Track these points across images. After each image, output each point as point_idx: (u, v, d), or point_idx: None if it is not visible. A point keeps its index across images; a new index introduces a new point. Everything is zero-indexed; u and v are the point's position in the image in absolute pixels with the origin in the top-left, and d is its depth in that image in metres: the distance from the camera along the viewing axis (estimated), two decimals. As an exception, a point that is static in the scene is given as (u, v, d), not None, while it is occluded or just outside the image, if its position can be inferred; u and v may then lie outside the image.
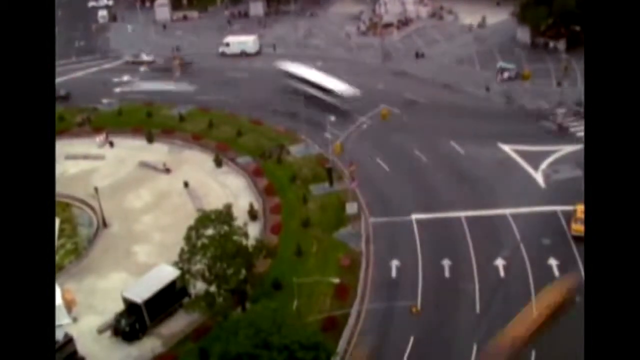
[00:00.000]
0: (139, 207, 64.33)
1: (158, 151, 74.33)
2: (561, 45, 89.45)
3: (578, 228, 51.67)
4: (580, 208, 52.29)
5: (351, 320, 47.01)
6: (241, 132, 75.00)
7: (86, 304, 51.30)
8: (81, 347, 46.24)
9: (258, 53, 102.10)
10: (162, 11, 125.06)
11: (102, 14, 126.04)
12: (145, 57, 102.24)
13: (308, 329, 41.47)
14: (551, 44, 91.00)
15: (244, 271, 46.41)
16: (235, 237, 46.02)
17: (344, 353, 44.56)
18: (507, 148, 67.00)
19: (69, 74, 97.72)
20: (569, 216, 53.71)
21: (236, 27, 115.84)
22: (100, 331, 48.76)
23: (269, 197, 62.97)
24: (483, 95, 79.89)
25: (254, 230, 55.21)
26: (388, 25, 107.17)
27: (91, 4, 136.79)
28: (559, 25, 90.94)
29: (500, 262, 51.20)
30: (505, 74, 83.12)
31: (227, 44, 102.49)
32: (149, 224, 61.59)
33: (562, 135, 68.50)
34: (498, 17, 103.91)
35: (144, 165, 71.23)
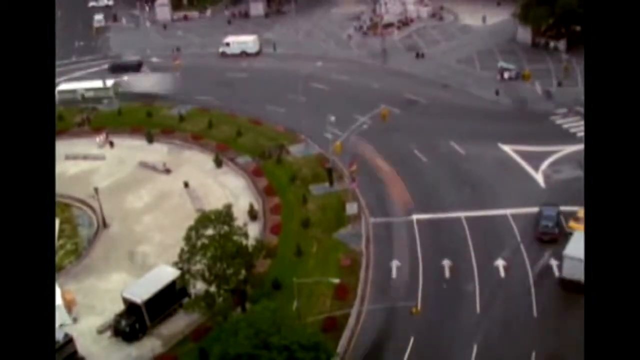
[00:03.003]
0: (139, 208, 64.33)
1: (158, 151, 74.32)
2: (561, 45, 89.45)
3: None
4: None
5: (351, 321, 46.98)
6: (241, 132, 74.98)
7: (86, 304, 51.29)
8: (81, 347, 46.25)
9: (258, 53, 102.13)
10: (163, 11, 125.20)
11: (99, 18, 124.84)
12: None
13: (308, 329, 41.47)
14: (551, 44, 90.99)
15: (244, 271, 46.38)
16: (235, 237, 46.00)
17: (344, 353, 44.58)
18: (507, 148, 66.98)
19: (69, 74, 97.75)
20: (570, 216, 53.70)
21: (236, 27, 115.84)
22: (100, 331, 48.75)
23: (268, 197, 62.95)
24: (483, 96, 79.83)
25: (254, 231, 55.18)
26: (389, 25, 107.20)
27: (91, 4, 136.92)
28: (559, 25, 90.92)
29: (500, 262, 51.20)
30: (506, 74, 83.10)
31: (227, 44, 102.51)
32: (149, 224, 61.59)
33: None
34: (498, 17, 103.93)
35: (144, 165, 71.23)
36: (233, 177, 68.00)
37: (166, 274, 49.76)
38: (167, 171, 69.56)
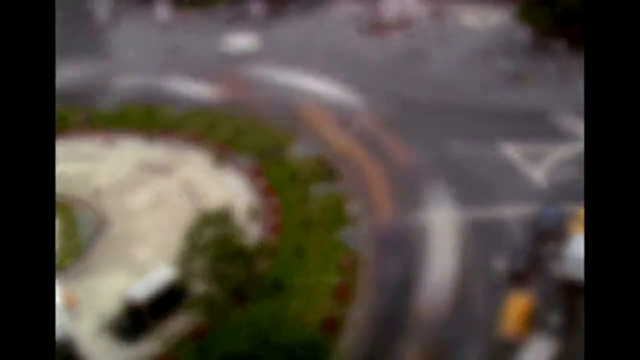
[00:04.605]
0: (139, 208, 64.34)
1: (158, 151, 74.33)
2: (561, 45, 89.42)
3: None
4: None
5: (351, 321, 46.99)
6: (241, 132, 74.98)
7: (86, 304, 51.33)
8: (81, 347, 46.25)
9: (258, 53, 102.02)
10: (163, 11, 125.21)
11: (99, 17, 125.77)
12: None
13: (308, 329, 41.50)
14: (551, 44, 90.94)
15: (244, 271, 46.41)
16: (235, 238, 46.02)
17: (344, 353, 44.57)
18: (507, 148, 66.97)
19: (69, 74, 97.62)
20: (570, 216, 53.71)
21: (236, 27, 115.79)
22: (100, 331, 48.77)
23: (268, 197, 62.97)
24: (483, 96, 79.83)
25: (254, 230, 55.20)
26: (389, 25, 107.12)
27: (91, 4, 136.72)
28: (559, 25, 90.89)
29: (500, 263, 51.20)
30: (506, 74, 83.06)
31: (228, 44, 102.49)
32: (149, 224, 61.59)
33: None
34: (498, 17, 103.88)
35: (144, 165, 71.23)
36: (233, 177, 68.04)
37: (166, 274, 49.79)
38: (167, 171, 69.55)
